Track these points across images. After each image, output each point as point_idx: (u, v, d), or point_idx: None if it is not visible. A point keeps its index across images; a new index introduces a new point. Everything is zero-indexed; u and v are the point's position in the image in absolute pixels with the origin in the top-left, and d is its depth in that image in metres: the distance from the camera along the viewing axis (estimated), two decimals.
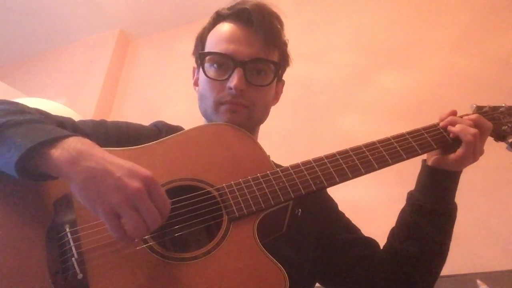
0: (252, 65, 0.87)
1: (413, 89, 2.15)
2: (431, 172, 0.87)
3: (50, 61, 3.37)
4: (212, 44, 0.91)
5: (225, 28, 0.90)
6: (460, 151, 0.83)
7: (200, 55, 0.92)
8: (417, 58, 2.24)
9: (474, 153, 0.83)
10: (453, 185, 0.87)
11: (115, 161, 0.60)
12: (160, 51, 3.16)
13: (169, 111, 2.71)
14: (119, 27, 3.27)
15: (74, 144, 0.62)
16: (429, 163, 0.88)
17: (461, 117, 0.88)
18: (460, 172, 0.87)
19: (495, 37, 2.11)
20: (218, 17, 0.94)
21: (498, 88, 1.91)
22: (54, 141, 0.62)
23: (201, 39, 0.97)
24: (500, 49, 2.06)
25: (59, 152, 0.61)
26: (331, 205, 1.02)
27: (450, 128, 0.84)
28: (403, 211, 0.91)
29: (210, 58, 0.89)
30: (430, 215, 0.86)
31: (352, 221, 1.00)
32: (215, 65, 0.88)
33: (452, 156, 0.84)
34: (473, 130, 0.82)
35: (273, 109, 1.00)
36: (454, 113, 0.88)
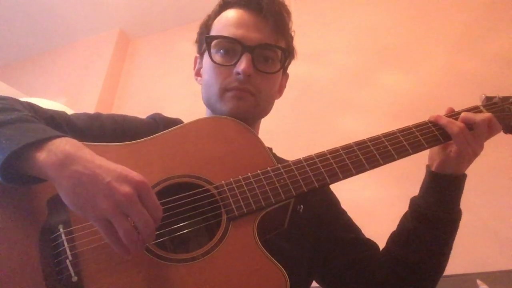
0: (260, 51, 0.86)
1: (413, 89, 2.15)
2: (433, 177, 0.85)
3: (50, 61, 3.36)
4: (219, 29, 0.89)
5: (233, 13, 0.89)
6: (454, 145, 0.82)
7: (207, 39, 0.88)
8: (417, 58, 2.23)
9: (468, 144, 0.80)
10: (456, 191, 0.84)
11: (104, 164, 0.57)
12: (160, 51, 3.15)
13: (169, 111, 2.67)
14: (119, 27, 3.26)
15: (62, 146, 0.58)
16: (432, 168, 0.86)
17: (460, 112, 0.86)
18: (464, 177, 0.84)
19: (495, 37, 2.10)
20: (225, 4, 0.92)
21: (498, 87, 1.90)
22: (39, 143, 0.59)
23: (206, 26, 0.94)
24: (500, 49, 2.05)
25: (45, 155, 0.57)
26: (333, 201, 1.00)
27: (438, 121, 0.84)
28: (404, 217, 0.89)
29: (217, 43, 0.87)
30: (430, 222, 0.83)
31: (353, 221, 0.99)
32: (221, 50, 0.86)
33: (451, 153, 0.82)
34: (458, 123, 0.81)
35: (273, 109, 1.00)
36: (450, 110, 0.87)
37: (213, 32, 0.90)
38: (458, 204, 0.85)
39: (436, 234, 0.83)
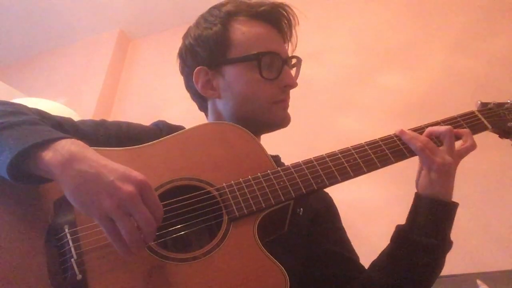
0: (289, 62, 0.94)
1: (413, 89, 2.15)
2: (415, 198, 0.81)
3: (50, 61, 3.36)
4: (253, 44, 0.88)
5: (259, 28, 0.90)
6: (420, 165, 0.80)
7: (259, 55, 0.87)
8: (417, 58, 2.24)
9: (435, 156, 0.77)
10: (435, 216, 0.77)
11: (108, 164, 0.59)
12: (160, 51, 3.16)
13: (169, 111, 2.71)
14: (119, 27, 3.26)
15: (67, 146, 0.61)
16: (416, 190, 0.82)
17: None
18: (453, 205, 0.79)
19: (495, 37, 2.11)
20: (235, 14, 0.91)
21: (498, 88, 1.91)
22: (46, 143, 0.61)
23: (221, 40, 0.89)
24: (500, 49, 2.06)
25: (51, 155, 0.59)
26: (334, 215, 0.99)
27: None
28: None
29: (265, 58, 0.87)
30: (409, 246, 0.78)
31: (352, 222, 0.98)
32: (267, 65, 0.88)
33: (423, 172, 0.79)
34: (421, 137, 0.79)
35: None
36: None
37: (240, 46, 0.89)
38: (443, 232, 0.78)
39: (413, 258, 0.77)
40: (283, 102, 0.92)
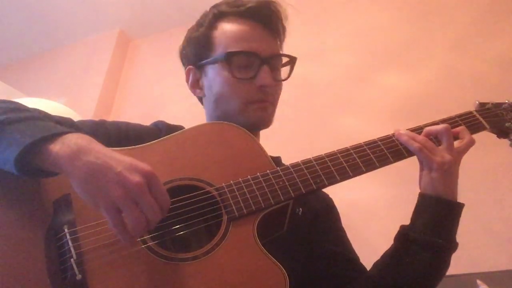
0: (274, 61, 0.90)
1: (413, 89, 2.15)
2: (419, 198, 0.80)
3: (50, 61, 3.37)
4: (230, 43, 0.88)
5: (241, 26, 0.89)
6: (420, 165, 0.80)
7: (228, 55, 0.87)
8: (417, 58, 2.24)
9: (434, 155, 0.77)
10: (443, 216, 0.76)
11: (115, 155, 0.60)
12: (160, 51, 3.16)
13: (169, 111, 2.71)
14: (119, 27, 3.27)
15: (74, 139, 0.61)
16: (420, 189, 0.81)
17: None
18: (457, 205, 0.78)
19: (495, 37, 2.10)
20: (220, 15, 0.92)
21: (498, 88, 1.91)
22: (53, 137, 0.62)
23: (206, 38, 0.91)
24: (500, 49, 2.06)
25: (58, 147, 0.60)
26: (334, 215, 0.99)
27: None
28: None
29: (237, 58, 0.87)
30: (411, 244, 0.77)
31: (352, 222, 0.98)
32: (240, 64, 0.87)
33: (423, 172, 0.79)
34: (419, 138, 0.80)
35: None
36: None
37: (220, 46, 0.89)
38: (446, 232, 0.77)
39: (416, 258, 0.76)
40: (260, 102, 0.89)
